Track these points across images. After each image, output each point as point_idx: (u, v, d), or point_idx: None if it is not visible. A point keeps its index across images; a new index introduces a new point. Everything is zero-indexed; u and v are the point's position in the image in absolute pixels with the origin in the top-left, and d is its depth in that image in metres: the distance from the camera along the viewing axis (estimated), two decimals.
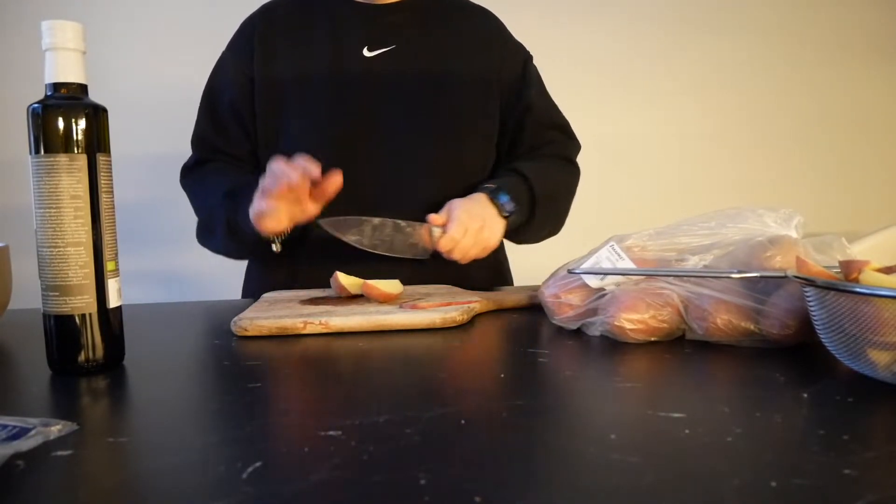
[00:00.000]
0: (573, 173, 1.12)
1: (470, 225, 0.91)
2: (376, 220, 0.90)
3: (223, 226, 0.94)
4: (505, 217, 0.96)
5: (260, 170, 0.98)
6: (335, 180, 0.81)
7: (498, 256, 1.09)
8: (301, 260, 1.00)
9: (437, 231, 0.91)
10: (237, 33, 1.05)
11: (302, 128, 0.99)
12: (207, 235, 1.00)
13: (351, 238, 0.89)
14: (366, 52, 0.99)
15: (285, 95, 0.99)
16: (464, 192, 0.98)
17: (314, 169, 0.79)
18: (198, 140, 1.05)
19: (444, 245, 0.90)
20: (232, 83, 1.02)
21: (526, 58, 1.09)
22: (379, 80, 0.98)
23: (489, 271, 1.06)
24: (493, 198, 0.96)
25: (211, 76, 1.06)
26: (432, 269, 0.96)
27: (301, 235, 0.93)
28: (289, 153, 0.93)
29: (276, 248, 0.91)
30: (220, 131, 1.03)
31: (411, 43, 1.01)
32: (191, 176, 1.05)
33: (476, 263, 0.95)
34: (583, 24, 1.84)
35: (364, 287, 0.81)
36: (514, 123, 1.07)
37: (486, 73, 1.03)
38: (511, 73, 1.06)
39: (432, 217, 0.92)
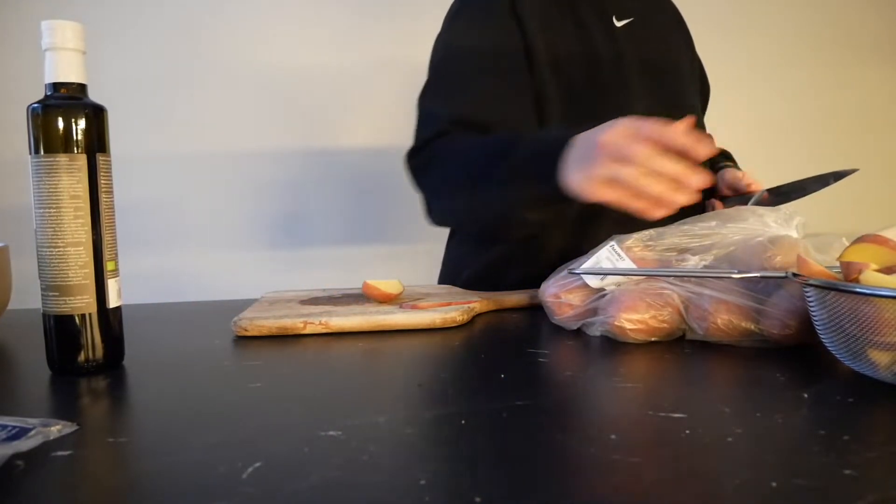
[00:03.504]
0: None
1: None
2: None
3: (506, 171, 0.75)
4: None
5: None
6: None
7: None
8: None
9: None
10: (484, 3, 0.91)
11: (567, 106, 0.89)
12: (461, 196, 0.83)
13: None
14: (615, 22, 0.95)
15: (556, 69, 0.89)
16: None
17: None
18: (456, 118, 0.86)
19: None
20: (506, 52, 0.88)
21: (692, 39, 1.13)
22: (631, 51, 0.95)
23: None
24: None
25: (456, 50, 0.90)
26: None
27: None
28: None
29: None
30: (500, 104, 0.87)
31: (646, 15, 0.99)
32: (424, 152, 0.88)
33: None
34: None
35: (364, 287, 0.80)
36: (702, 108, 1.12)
37: (691, 54, 1.08)
38: (697, 59, 1.11)
39: (747, 181, 0.96)
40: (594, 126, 0.67)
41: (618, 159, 0.62)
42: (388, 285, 0.80)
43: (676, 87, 1.01)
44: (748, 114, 1.97)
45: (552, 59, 0.90)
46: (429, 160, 0.87)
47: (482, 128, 0.85)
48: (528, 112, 0.89)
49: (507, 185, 0.76)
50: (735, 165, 1.05)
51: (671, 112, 0.93)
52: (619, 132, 0.62)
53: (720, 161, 1.06)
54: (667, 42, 1.02)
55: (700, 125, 1.08)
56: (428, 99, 0.91)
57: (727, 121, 1.96)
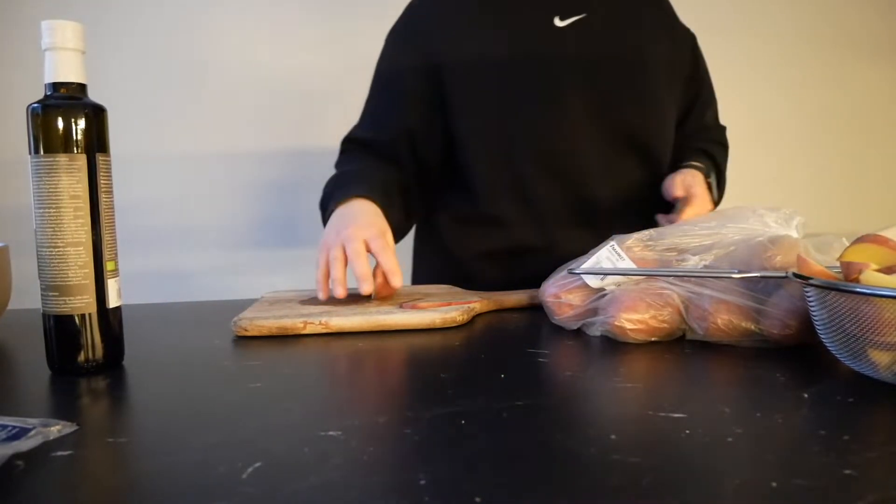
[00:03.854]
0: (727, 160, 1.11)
1: (707, 206, 0.90)
2: None
3: (323, 212, 0.92)
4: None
5: (422, 169, 0.99)
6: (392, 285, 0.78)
7: None
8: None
9: (678, 205, 0.90)
10: (407, 20, 0.99)
11: (504, 111, 0.94)
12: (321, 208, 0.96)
13: None
14: (557, 22, 0.94)
15: (481, 76, 0.93)
16: (650, 179, 0.97)
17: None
18: (349, 138, 1.01)
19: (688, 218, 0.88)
20: (401, 71, 0.96)
21: (692, 37, 1.07)
22: (575, 50, 0.93)
23: None
24: (709, 182, 0.95)
25: (378, 68, 1.00)
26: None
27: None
28: (489, 139, 0.95)
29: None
30: (382, 128, 0.98)
31: (601, 11, 0.96)
32: (336, 164, 1.02)
33: None
34: None
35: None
36: (687, 105, 1.07)
37: (669, 52, 1.01)
38: (685, 54, 1.04)
39: (678, 192, 0.91)
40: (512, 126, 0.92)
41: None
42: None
43: (635, 81, 0.96)
44: (747, 113, 1.97)
45: (465, 68, 0.94)
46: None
47: (362, 144, 1.00)
48: (408, 127, 0.98)
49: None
50: (708, 166, 0.99)
51: (621, 106, 0.95)
52: (335, 241, 0.78)
53: (691, 158, 1.00)
54: (628, 36, 0.97)
55: (666, 120, 1.01)
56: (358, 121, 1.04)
57: (726, 120, 1.96)
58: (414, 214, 1.02)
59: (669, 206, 0.95)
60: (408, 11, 1.00)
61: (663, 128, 1.01)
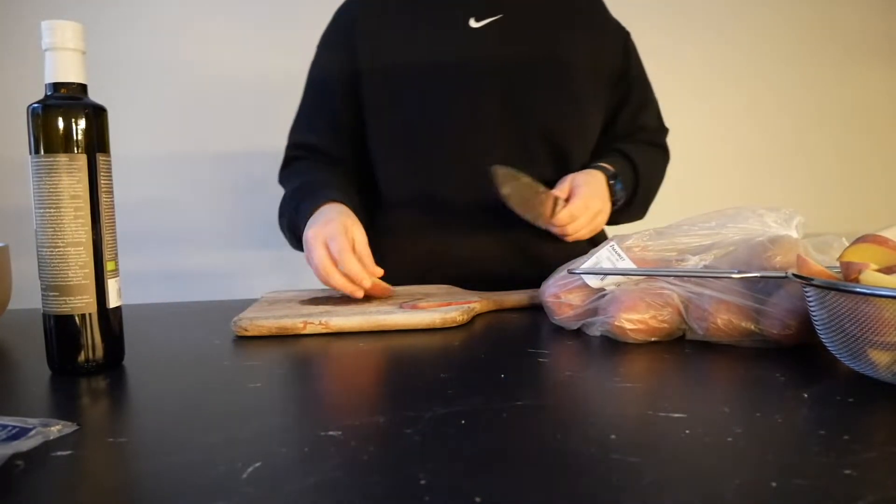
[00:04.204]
0: (665, 161, 1.11)
1: (591, 205, 0.90)
2: (526, 179, 0.88)
3: (286, 224, 0.93)
4: (613, 203, 0.95)
5: (358, 167, 1.00)
6: (377, 280, 0.80)
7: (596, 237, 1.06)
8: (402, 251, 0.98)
9: (560, 203, 0.89)
10: (333, 26, 1.02)
11: (418, 111, 0.96)
12: (280, 226, 0.98)
13: (506, 188, 0.87)
14: (472, 24, 0.95)
15: (398, 82, 0.96)
16: (578, 165, 0.97)
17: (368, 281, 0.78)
18: (293, 142, 1.04)
19: (562, 218, 0.88)
20: (329, 79, 0.99)
21: (625, 36, 1.06)
22: (489, 52, 0.95)
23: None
24: (612, 183, 0.94)
25: (309, 74, 1.04)
26: (519, 245, 0.95)
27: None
28: (405, 140, 0.98)
29: None
30: (322, 133, 1.01)
31: (517, 12, 0.97)
32: (284, 171, 1.04)
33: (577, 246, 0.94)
34: None
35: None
36: (616, 105, 1.05)
37: (593, 52, 1.00)
38: (614, 54, 1.03)
39: (558, 191, 0.90)
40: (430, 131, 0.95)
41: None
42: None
43: (552, 82, 0.96)
44: (747, 114, 1.97)
45: (383, 70, 0.96)
46: (282, 184, 1.02)
47: (310, 149, 1.01)
48: (341, 129, 1.00)
49: (292, 237, 0.93)
50: (620, 166, 0.97)
51: (536, 107, 0.96)
52: (318, 240, 0.79)
53: (602, 159, 0.99)
54: (545, 37, 0.96)
55: (587, 120, 1.01)
56: (293, 123, 1.06)
57: (724, 120, 1.96)
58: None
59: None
60: (333, 18, 1.03)
61: (582, 128, 1.01)
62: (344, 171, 1.00)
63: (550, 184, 0.93)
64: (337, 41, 1.00)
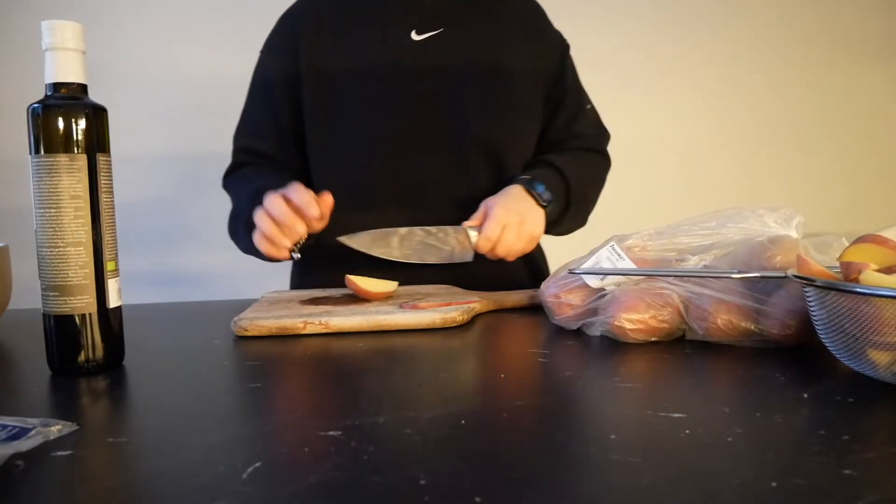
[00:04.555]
0: (603, 165, 1.11)
1: (508, 220, 0.89)
2: (403, 231, 0.89)
3: (244, 227, 0.93)
4: (543, 206, 0.94)
5: (304, 172, 1.02)
6: (327, 201, 0.83)
7: (534, 252, 1.05)
8: (333, 262, 0.97)
9: (473, 233, 0.89)
10: (277, 30, 1.03)
11: (355, 119, 0.98)
12: (233, 234, 1.00)
13: (378, 251, 0.88)
14: (414, 36, 0.97)
15: (338, 88, 0.97)
16: (500, 187, 0.98)
17: (311, 206, 0.81)
18: (240, 147, 1.04)
19: (482, 245, 0.88)
20: (272, 82, 1.01)
21: (564, 48, 1.08)
22: (429, 64, 0.97)
23: (525, 271, 1.05)
24: (530, 188, 0.93)
25: (253, 78, 1.05)
26: (469, 271, 0.93)
27: (317, 242, 0.92)
28: (340, 145, 0.97)
29: (296, 256, 0.89)
30: (268, 138, 1.02)
31: (459, 26, 0.99)
32: (230, 177, 1.04)
33: (513, 263, 0.94)
34: (584, 25, 1.84)
35: (346, 281, 0.81)
36: (548, 114, 1.06)
37: (532, 64, 1.02)
38: (552, 65, 1.05)
39: (467, 223, 0.90)
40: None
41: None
42: (371, 283, 0.80)
43: (489, 93, 0.98)
44: (747, 114, 1.97)
45: (322, 78, 0.97)
46: (228, 189, 1.04)
47: (258, 155, 1.03)
48: (285, 134, 1.02)
49: (250, 241, 0.91)
50: (543, 176, 0.96)
51: (472, 117, 0.98)
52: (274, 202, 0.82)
53: (529, 170, 0.99)
54: (484, 51, 0.99)
55: (523, 129, 1.03)
56: (237, 127, 1.06)
57: (724, 120, 1.97)
58: None
59: None
60: (277, 22, 1.04)
61: (518, 139, 1.03)
62: (292, 176, 0.99)
63: (487, 191, 0.95)
64: (280, 46, 1.01)
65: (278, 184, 0.88)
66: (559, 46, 1.07)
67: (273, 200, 0.82)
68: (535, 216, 0.93)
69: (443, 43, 0.98)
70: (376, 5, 0.99)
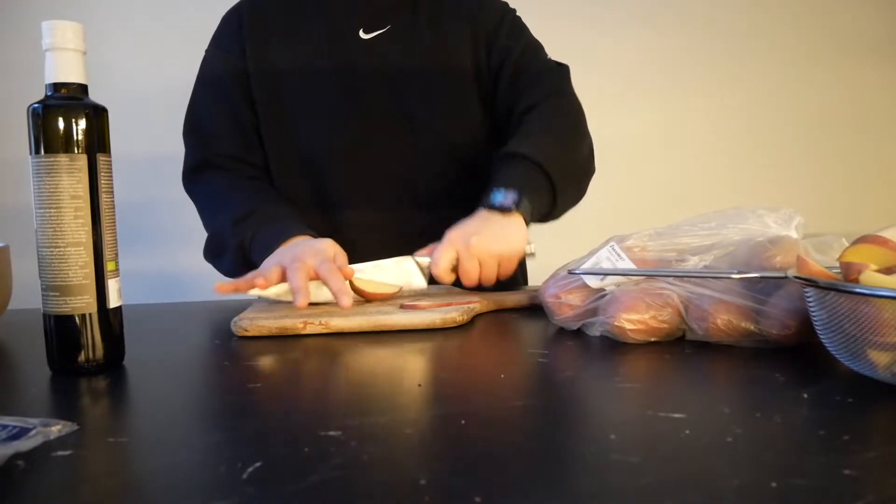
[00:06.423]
0: (570, 109, 0.98)
1: (453, 240, 0.80)
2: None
3: (233, 252, 0.90)
4: (511, 210, 0.82)
5: (260, 168, 1.00)
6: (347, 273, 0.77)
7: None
8: None
9: (424, 261, 0.82)
10: (222, 26, 1.03)
11: (306, 117, 0.98)
12: (216, 256, 0.97)
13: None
14: (362, 35, 0.98)
15: (286, 85, 0.97)
16: (475, 168, 0.97)
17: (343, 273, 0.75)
18: (194, 143, 1.01)
19: (442, 277, 0.79)
20: (225, 78, 1.00)
21: (504, 12, 1.03)
22: (379, 62, 0.97)
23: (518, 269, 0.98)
24: (488, 205, 0.84)
25: (199, 74, 1.03)
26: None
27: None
28: (294, 143, 0.97)
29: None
30: (217, 132, 1.00)
31: (405, 22, 0.99)
32: (198, 182, 1.01)
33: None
34: (583, 26, 1.84)
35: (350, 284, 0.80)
36: (495, 77, 1.01)
37: (474, 42, 0.99)
38: (488, 31, 1.00)
39: (417, 252, 0.83)
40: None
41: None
42: (373, 284, 0.80)
43: (437, 89, 0.98)
44: (747, 114, 1.97)
45: (271, 76, 0.97)
46: (195, 196, 1.02)
47: (228, 157, 0.99)
48: (247, 132, 0.99)
49: (239, 264, 0.89)
50: (503, 180, 0.86)
51: (420, 113, 0.98)
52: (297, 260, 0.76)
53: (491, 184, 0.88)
54: (430, 48, 0.97)
55: (476, 121, 1.01)
56: (187, 126, 1.02)
57: (724, 120, 1.97)
58: None
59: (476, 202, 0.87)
60: (223, 19, 1.04)
61: (471, 128, 1.01)
62: (269, 185, 1.00)
63: (452, 187, 0.95)
64: (227, 41, 1.00)
65: (278, 211, 0.87)
66: (496, 13, 1.02)
67: (328, 276, 0.74)
68: (505, 228, 0.82)
69: (389, 40, 0.98)
70: (323, 3, 0.99)
